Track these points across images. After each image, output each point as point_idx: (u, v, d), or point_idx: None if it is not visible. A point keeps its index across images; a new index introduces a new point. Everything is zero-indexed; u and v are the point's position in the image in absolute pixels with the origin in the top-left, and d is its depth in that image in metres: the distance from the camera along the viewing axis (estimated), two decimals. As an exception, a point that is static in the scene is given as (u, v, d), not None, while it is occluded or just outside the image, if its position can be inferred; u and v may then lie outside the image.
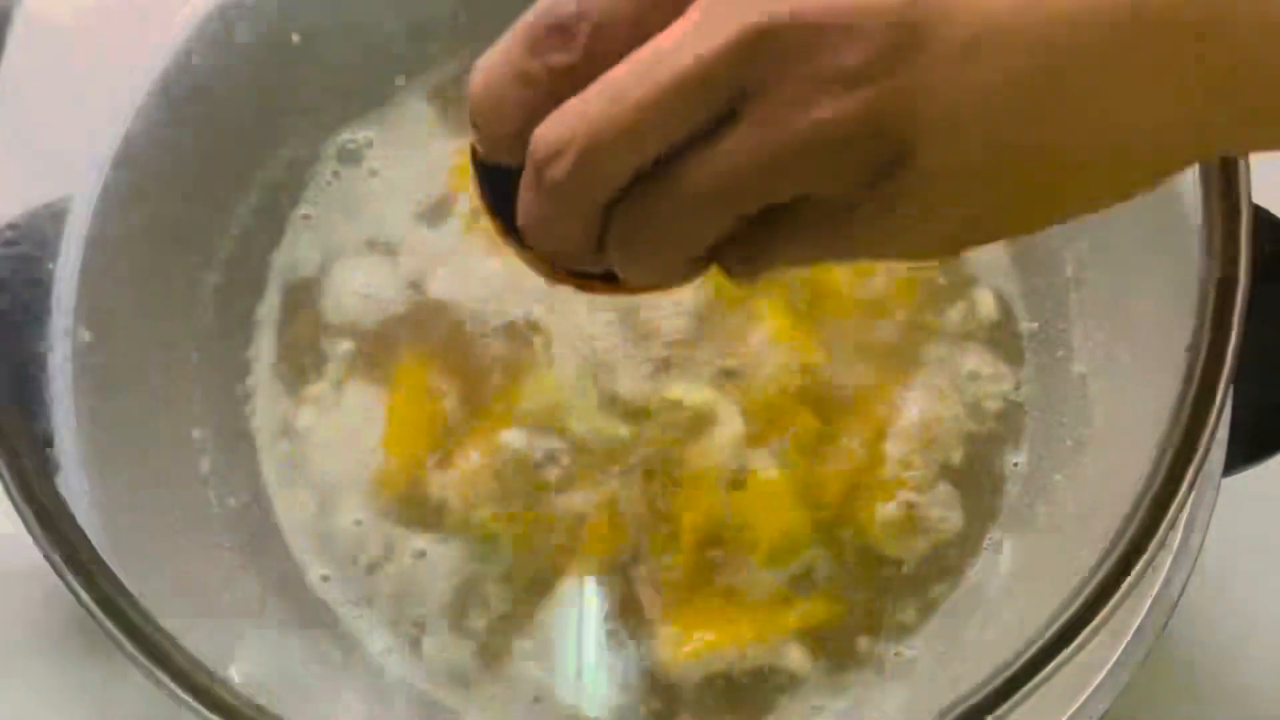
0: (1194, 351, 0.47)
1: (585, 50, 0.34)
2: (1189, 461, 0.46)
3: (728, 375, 0.53)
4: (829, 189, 0.34)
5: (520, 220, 0.36)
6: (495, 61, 0.35)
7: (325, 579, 0.53)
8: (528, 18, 0.35)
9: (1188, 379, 0.47)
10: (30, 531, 0.50)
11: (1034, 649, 0.44)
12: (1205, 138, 0.33)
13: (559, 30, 0.34)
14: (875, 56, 0.32)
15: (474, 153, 0.38)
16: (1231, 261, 0.48)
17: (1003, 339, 0.55)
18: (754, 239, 0.36)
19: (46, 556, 0.50)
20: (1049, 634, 0.44)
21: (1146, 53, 0.32)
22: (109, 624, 0.48)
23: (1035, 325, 0.55)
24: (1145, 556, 0.45)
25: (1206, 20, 0.31)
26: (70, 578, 0.49)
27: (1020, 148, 0.33)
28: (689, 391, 0.53)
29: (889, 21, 0.31)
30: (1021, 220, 0.35)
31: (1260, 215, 0.57)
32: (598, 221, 0.35)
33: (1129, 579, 0.45)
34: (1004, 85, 0.32)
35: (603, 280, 0.39)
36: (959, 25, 0.31)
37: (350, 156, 0.58)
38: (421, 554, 0.53)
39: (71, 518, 0.50)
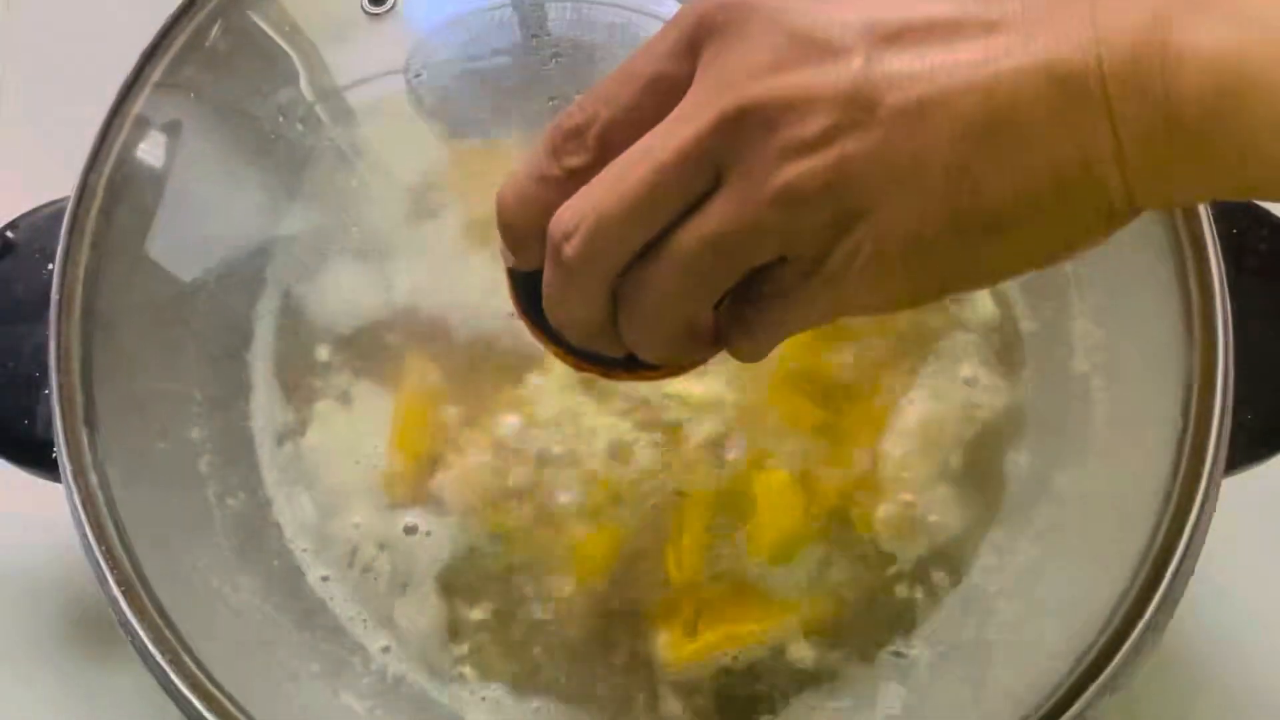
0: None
1: (596, 150, 0.39)
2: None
3: (729, 373, 0.53)
4: (800, 247, 0.38)
5: (544, 302, 0.41)
6: (521, 170, 0.40)
7: (325, 579, 0.53)
8: (546, 131, 0.40)
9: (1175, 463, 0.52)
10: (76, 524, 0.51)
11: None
12: (1137, 187, 0.36)
13: (572, 135, 0.39)
14: (831, 124, 0.36)
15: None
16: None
17: (1003, 339, 0.55)
18: (746, 308, 0.40)
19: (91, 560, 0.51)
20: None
21: (1075, 110, 0.35)
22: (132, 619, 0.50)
23: (1035, 325, 0.55)
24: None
25: (1128, 84, 0.35)
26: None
27: (965, 199, 0.36)
28: (689, 388, 0.53)
29: (841, 93, 0.36)
30: (976, 271, 0.38)
31: (1260, 215, 0.57)
32: (607, 296, 0.40)
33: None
34: (946, 143, 0.36)
35: (625, 368, 0.43)
36: (904, 92, 0.36)
37: (350, 156, 0.58)
38: (422, 553, 0.53)
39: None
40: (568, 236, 0.39)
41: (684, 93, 0.38)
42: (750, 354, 0.42)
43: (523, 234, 0.41)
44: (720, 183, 0.37)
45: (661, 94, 0.38)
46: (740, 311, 0.41)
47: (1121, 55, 0.34)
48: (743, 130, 0.37)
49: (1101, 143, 0.35)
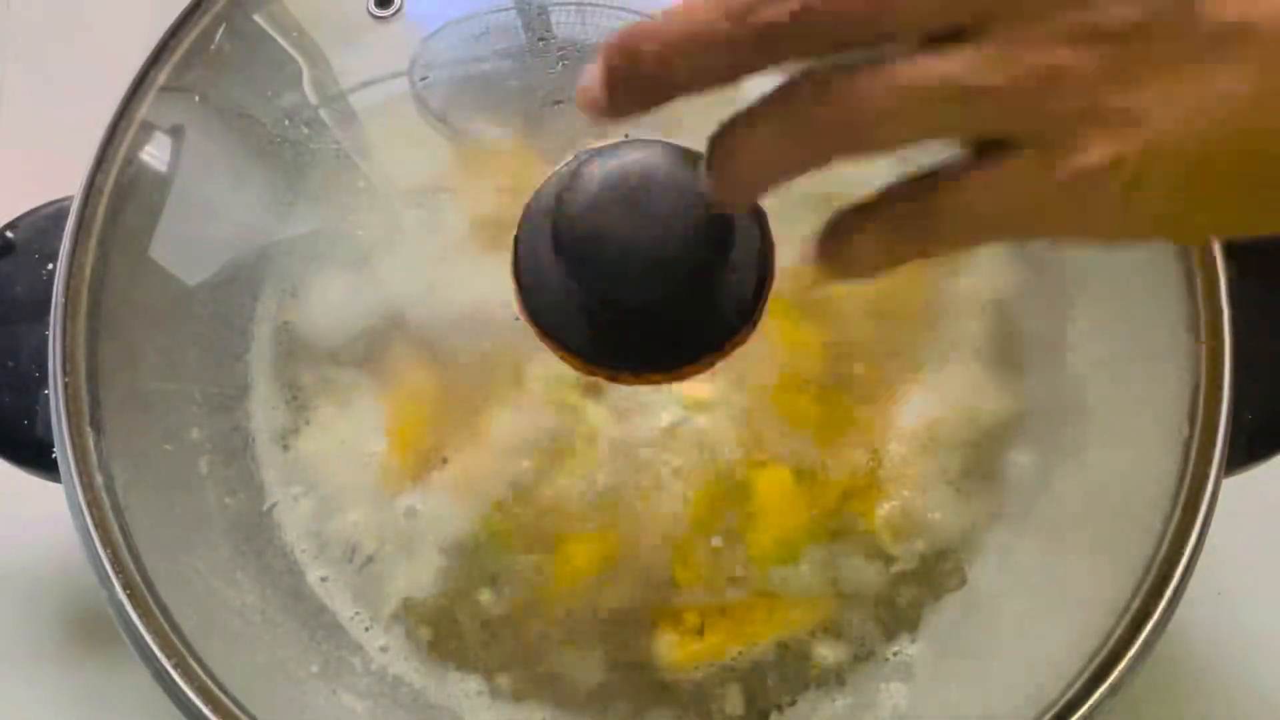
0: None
1: (791, 18, 0.33)
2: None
3: (731, 373, 0.53)
4: (1049, 133, 0.34)
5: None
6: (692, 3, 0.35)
7: (324, 579, 0.53)
8: None
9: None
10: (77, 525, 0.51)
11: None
12: None
13: None
14: (1138, 20, 0.33)
15: (516, 264, 0.43)
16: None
17: (1004, 339, 0.55)
18: (945, 189, 0.36)
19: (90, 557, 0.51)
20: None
21: None
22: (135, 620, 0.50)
23: (1036, 325, 0.55)
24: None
25: None
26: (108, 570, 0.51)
27: (1261, 140, 0.33)
28: (691, 389, 0.53)
29: None
30: (1240, 221, 0.35)
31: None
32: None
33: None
34: (1258, 75, 0.33)
35: (631, 371, 0.43)
36: (1230, 8, 0.32)
37: (354, 158, 0.58)
38: (422, 550, 0.53)
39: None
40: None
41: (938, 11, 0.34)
42: (917, 244, 0.37)
43: (649, 74, 0.35)
44: (978, 32, 0.33)
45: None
46: (932, 193, 0.36)
47: None
48: None
49: None
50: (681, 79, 0.35)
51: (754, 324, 0.46)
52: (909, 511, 0.53)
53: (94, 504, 0.52)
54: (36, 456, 0.55)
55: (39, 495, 0.56)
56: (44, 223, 0.59)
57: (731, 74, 0.35)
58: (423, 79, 0.58)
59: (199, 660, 0.50)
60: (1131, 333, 0.55)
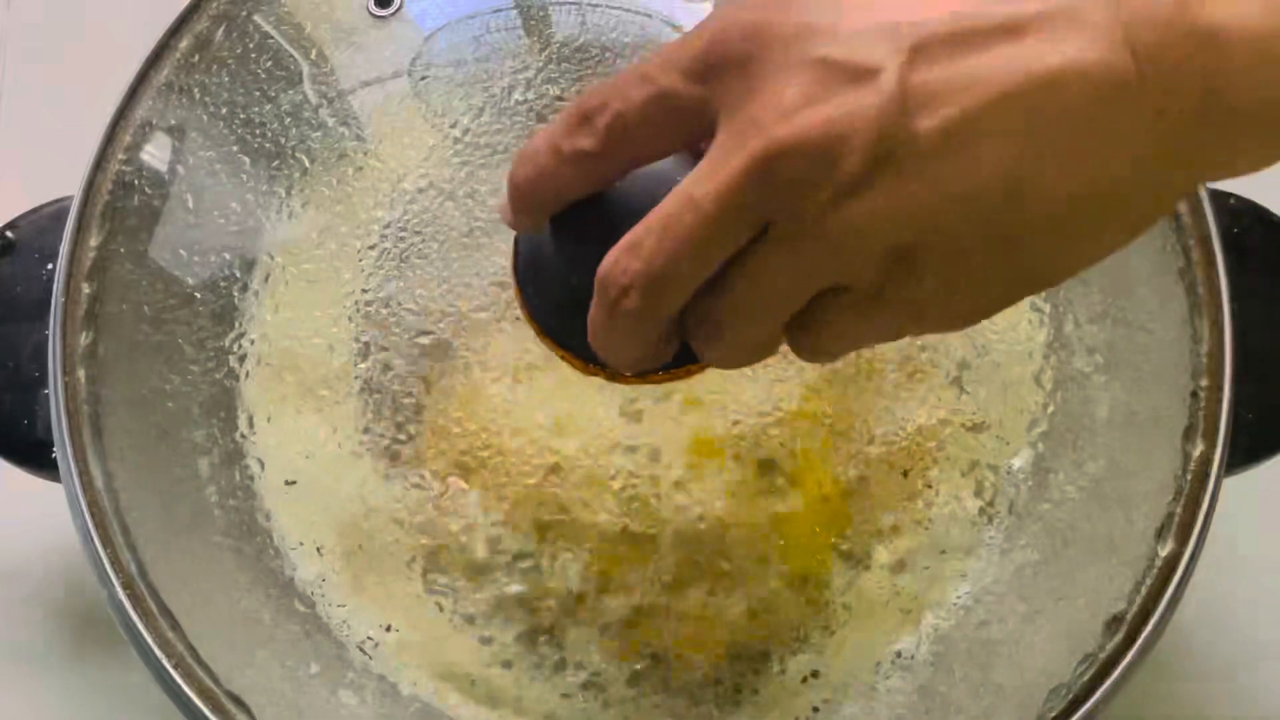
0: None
1: (605, 139, 0.39)
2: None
3: (729, 374, 0.53)
4: (860, 279, 0.37)
5: (596, 342, 0.40)
6: (539, 138, 0.40)
7: (323, 580, 0.53)
8: (569, 105, 0.40)
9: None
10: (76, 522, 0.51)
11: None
12: (1196, 168, 0.36)
13: (584, 118, 0.39)
14: (869, 161, 0.35)
15: (516, 265, 0.44)
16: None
17: (1004, 339, 0.55)
18: (811, 324, 0.39)
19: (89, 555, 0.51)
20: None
21: (1118, 109, 0.34)
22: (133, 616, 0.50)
23: (1036, 325, 0.55)
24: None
25: (1166, 75, 0.34)
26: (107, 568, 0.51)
27: (1023, 212, 0.36)
28: (692, 389, 0.53)
29: (873, 125, 0.34)
30: (1044, 274, 0.38)
31: (1262, 214, 0.57)
32: (668, 333, 0.40)
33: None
34: (993, 161, 0.35)
35: (633, 374, 0.43)
36: (942, 113, 0.35)
37: (354, 158, 0.58)
38: (421, 549, 0.53)
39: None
40: (625, 292, 0.38)
41: (694, 116, 0.38)
42: (815, 359, 0.42)
43: (527, 198, 0.41)
44: (770, 226, 0.37)
45: (670, 111, 0.38)
46: (805, 325, 0.40)
47: (1155, 45, 0.34)
48: (777, 177, 0.35)
49: (1150, 137, 0.35)
50: (546, 200, 0.41)
51: None
52: (909, 511, 0.53)
53: (94, 504, 0.52)
54: (36, 456, 0.55)
55: (39, 495, 0.56)
56: (44, 222, 0.59)
57: (581, 187, 0.40)
58: (423, 78, 0.58)
59: (199, 660, 0.51)
60: (1131, 333, 0.55)
